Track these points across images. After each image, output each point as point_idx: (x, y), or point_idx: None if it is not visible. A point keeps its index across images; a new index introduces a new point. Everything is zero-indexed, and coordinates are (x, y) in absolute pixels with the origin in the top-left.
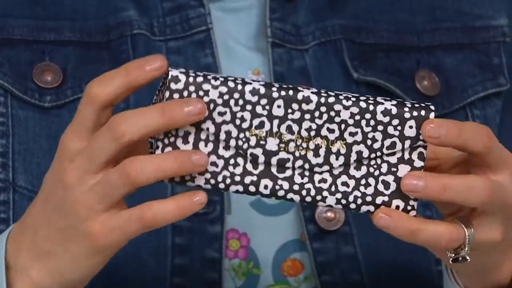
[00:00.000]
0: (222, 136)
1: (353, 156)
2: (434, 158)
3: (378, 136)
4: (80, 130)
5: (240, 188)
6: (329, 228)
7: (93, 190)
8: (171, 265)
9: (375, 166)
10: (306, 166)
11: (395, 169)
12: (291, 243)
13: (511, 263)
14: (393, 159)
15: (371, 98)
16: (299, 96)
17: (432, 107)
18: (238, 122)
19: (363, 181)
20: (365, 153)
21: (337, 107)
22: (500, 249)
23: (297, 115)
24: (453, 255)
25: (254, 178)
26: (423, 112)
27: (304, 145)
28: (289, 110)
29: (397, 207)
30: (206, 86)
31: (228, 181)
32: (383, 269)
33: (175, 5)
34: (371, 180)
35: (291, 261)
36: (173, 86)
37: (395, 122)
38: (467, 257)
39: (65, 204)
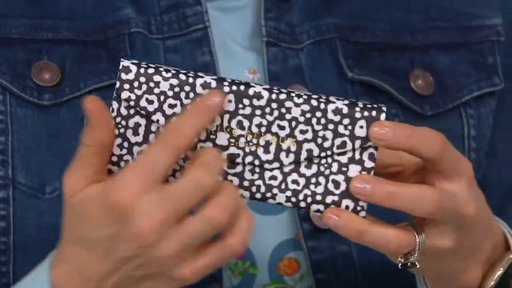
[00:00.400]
0: None
1: (304, 154)
2: (399, 164)
3: (329, 135)
4: (152, 180)
5: None
6: (324, 226)
7: (180, 240)
8: None
9: (325, 165)
10: (256, 162)
11: (345, 169)
12: (287, 242)
13: (477, 268)
14: (343, 159)
15: (323, 97)
16: (250, 91)
17: (384, 108)
18: None
19: (313, 180)
20: (316, 152)
21: (288, 104)
22: (459, 255)
23: (248, 110)
24: (403, 260)
25: None
26: (374, 113)
27: (255, 141)
28: (240, 105)
29: (347, 207)
30: (156, 78)
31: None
32: (377, 267)
33: (172, 3)
34: (322, 179)
35: (287, 260)
36: (123, 76)
37: (346, 121)
38: (416, 263)
39: (144, 258)
